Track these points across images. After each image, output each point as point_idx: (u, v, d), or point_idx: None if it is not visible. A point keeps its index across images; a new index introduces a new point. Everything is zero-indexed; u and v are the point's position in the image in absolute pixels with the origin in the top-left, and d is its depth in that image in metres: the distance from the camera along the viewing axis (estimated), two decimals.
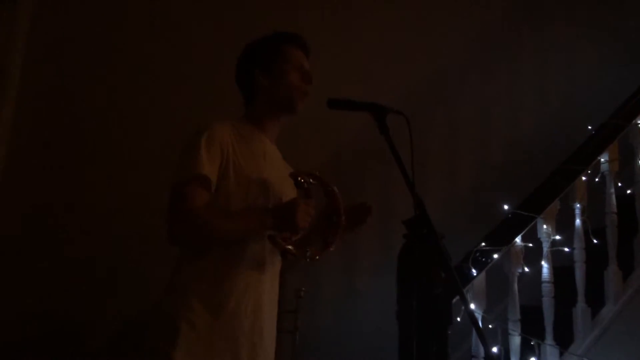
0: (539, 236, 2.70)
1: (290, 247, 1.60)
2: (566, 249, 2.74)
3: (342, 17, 3.39)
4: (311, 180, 1.64)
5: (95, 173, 2.71)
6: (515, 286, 2.58)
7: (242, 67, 1.79)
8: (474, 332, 2.33)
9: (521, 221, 2.64)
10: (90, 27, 2.81)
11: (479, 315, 2.42)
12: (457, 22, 3.71)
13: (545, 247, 2.67)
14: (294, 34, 1.80)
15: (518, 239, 2.62)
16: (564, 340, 2.59)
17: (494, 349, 2.44)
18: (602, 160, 2.94)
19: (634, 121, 2.99)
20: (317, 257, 1.65)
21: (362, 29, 3.43)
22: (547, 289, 2.65)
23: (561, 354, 2.56)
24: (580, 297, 2.68)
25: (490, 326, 2.46)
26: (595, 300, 2.70)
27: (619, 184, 3.00)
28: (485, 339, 1.42)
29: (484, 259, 2.51)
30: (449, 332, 2.22)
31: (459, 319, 2.28)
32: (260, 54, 1.77)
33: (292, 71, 1.74)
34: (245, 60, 1.79)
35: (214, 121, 1.67)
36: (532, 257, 2.68)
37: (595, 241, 2.85)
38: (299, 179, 1.62)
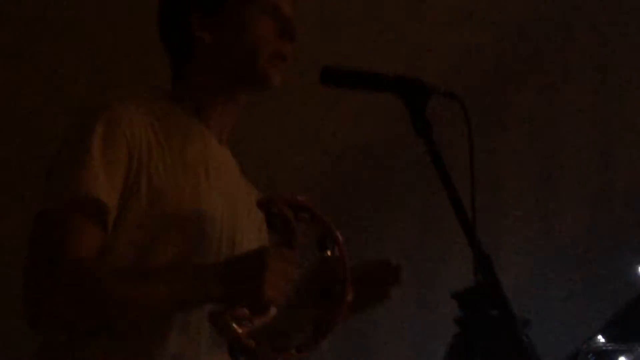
0: None
1: (246, 336, 1.57)
2: None
3: None
4: (297, 216, 1.63)
5: None
6: None
7: (168, 9, 1.82)
8: None
9: None
10: None
11: None
12: None
13: None
14: None
15: None
16: None
17: None
18: None
19: None
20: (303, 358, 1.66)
21: None
22: None
23: None
24: None
25: None
26: None
27: None
28: None
29: None
30: None
31: None
32: None
33: (260, 18, 1.77)
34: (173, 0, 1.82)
35: (114, 99, 1.69)
36: None
37: None
38: (274, 210, 1.61)
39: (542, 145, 3.72)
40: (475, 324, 2.11)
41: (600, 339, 2.60)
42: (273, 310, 1.65)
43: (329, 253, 1.69)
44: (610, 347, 2.54)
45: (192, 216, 1.66)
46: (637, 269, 2.81)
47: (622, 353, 2.54)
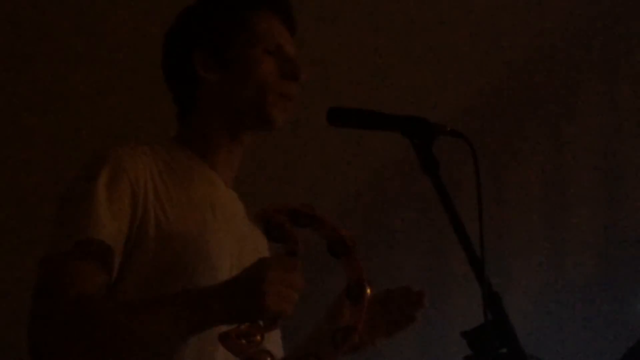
0: None
1: (258, 353, 1.54)
2: None
3: None
4: (296, 222, 1.59)
5: None
6: None
7: (173, 51, 1.83)
8: None
9: None
10: None
11: None
12: None
13: None
14: None
15: None
16: None
17: None
18: None
19: None
20: None
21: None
22: None
23: None
24: None
25: None
26: None
27: None
28: None
29: None
30: None
31: None
32: (204, 27, 1.81)
33: (264, 57, 1.78)
34: (177, 39, 1.83)
35: (118, 145, 1.69)
36: None
37: None
38: (272, 221, 1.57)
39: (551, 182, 3.72)
40: None
41: None
42: (279, 321, 1.58)
43: (338, 255, 1.64)
44: None
45: (200, 258, 1.66)
46: None
47: None
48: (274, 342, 1.71)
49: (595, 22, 3.87)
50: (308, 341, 1.78)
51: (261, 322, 1.52)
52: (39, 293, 1.56)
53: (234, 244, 1.73)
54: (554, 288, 3.55)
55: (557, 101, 3.81)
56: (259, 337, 1.53)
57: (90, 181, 1.61)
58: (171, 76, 1.84)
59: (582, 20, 3.84)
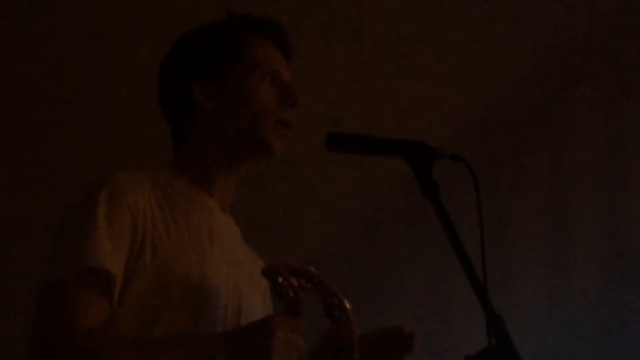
0: None
1: None
2: None
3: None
4: (303, 284, 1.63)
5: None
6: None
7: (169, 78, 1.84)
8: None
9: None
10: None
11: None
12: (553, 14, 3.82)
13: None
14: (264, 19, 1.84)
15: None
16: None
17: None
18: None
19: None
20: None
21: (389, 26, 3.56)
22: None
23: None
24: None
25: None
26: None
27: None
28: None
29: None
30: None
31: None
32: (201, 54, 1.81)
33: (261, 84, 1.78)
34: (174, 66, 1.84)
35: (117, 171, 1.69)
36: None
37: None
38: (280, 280, 1.59)
39: (553, 200, 3.72)
40: None
41: None
42: None
43: (335, 319, 1.67)
44: None
45: (198, 284, 1.66)
46: None
47: None
48: None
49: (591, 40, 3.90)
50: None
51: None
52: (41, 319, 1.56)
53: (230, 269, 1.73)
54: (559, 309, 3.55)
55: (557, 118, 3.82)
56: None
57: (90, 206, 1.61)
58: (167, 105, 1.84)
59: (580, 38, 3.86)
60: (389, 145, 1.64)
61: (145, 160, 1.83)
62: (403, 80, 3.51)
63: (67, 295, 1.55)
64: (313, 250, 3.03)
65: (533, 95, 3.76)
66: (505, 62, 3.70)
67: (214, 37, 1.82)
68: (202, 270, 1.67)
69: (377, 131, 1.68)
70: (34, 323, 1.56)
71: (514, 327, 1.48)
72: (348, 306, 1.67)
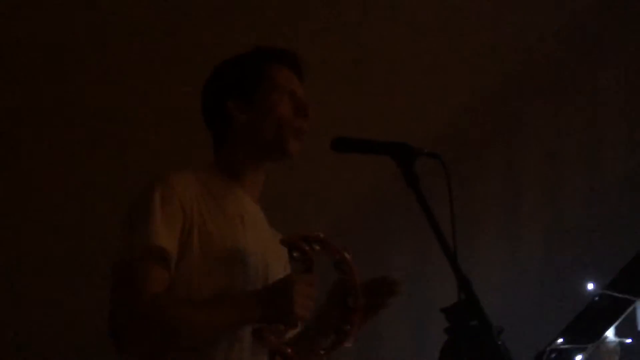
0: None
1: (282, 345, 1.59)
2: None
3: (356, 33, 3.52)
4: (314, 248, 1.64)
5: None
6: None
7: (210, 98, 1.83)
8: None
9: (613, 307, 2.62)
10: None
11: None
12: (511, 36, 3.80)
13: None
14: (282, 50, 1.84)
15: (610, 333, 2.59)
16: None
17: None
18: None
19: None
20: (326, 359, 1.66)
21: (384, 50, 3.54)
22: None
23: None
24: None
25: None
26: None
27: None
28: None
29: None
30: None
31: None
32: (234, 78, 1.81)
33: (281, 100, 1.78)
34: (213, 88, 1.83)
35: (169, 171, 1.70)
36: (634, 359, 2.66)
37: None
38: (296, 246, 1.62)
39: (506, 192, 3.72)
40: (460, 333, 2.11)
41: (560, 341, 2.58)
42: (300, 323, 1.65)
43: (342, 271, 1.70)
44: (567, 347, 2.53)
45: (233, 255, 1.66)
46: (586, 285, 2.80)
47: (577, 351, 2.52)
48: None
49: (536, 59, 3.89)
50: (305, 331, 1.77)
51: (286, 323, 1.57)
52: (118, 293, 1.57)
53: (258, 244, 1.72)
54: (514, 273, 3.55)
55: (508, 123, 3.83)
56: (284, 334, 1.59)
57: (149, 200, 1.62)
58: (209, 118, 1.84)
59: (525, 61, 3.86)
60: (380, 146, 1.64)
61: (192, 161, 1.83)
62: (391, 92, 3.51)
63: (137, 269, 1.56)
64: (322, 226, 3.06)
65: (490, 106, 3.77)
66: (468, 81, 3.70)
67: (244, 65, 1.82)
68: (235, 245, 1.67)
69: (370, 133, 1.70)
70: (112, 293, 1.57)
71: (477, 287, 1.49)
72: (349, 258, 1.69)
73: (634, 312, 2.71)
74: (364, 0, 3.52)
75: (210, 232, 1.66)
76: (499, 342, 1.78)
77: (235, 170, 1.79)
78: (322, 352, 1.69)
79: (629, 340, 2.64)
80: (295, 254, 1.63)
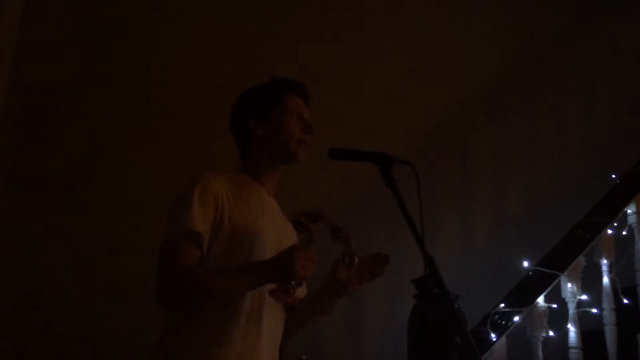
0: (563, 296, 2.67)
1: (292, 300, 1.60)
2: (594, 310, 2.71)
3: (346, 59, 3.48)
4: (316, 221, 1.66)
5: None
6: (540, 352, 2.53)
7: (237, 117, 1.83)
8: None
9: (543, 279, 2.62)
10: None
11: None
12: (468, 64, 3.79)
13: (571, 309, 2.64)
14: (291, 81, 1.84)
15: (540, 300, 2.59)
16: None
17: None
18: (629, 212, 2.93)
19: None
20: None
21: (367, 73, 3.53)
22: (574, 355, 2.60)
23: None
24: None
25: None
26: None
27: None
28: None
29: (504, 322, 2.48)
30: None
31: None
32: (255, 103, 1.81)
33: (291, 120, 1.78)
34: (239, 110, 1.83)
35: (206, 171, 1.69)
36: (558, 319, 2.65)
37: (626, 301, 2.81)
38: (298, 220, 1.64)
39: (463, 189, 3.72)
40: (426, 299, 2.12)
41: (502, 305, 2.58)
42: (304, 281, 1.61)
43: (338, 238, 1.71)
44: (508, 310, 2.53)
45: (254, 239, 1.66)
46: (523, 262, 2.80)
47: (515, 314, 2.53)
48: (302, 290, 1.76)
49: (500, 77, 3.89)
50: (316, 291, 1.78)
51: (293, 283, 1.55)
52: (162, 265, 1.57)
53: (273, 229, 1.72)
54: (467, 252, 3.55)
55: (462, 138, 3.83)
56: (292, 291, 1.58)
57: (190, 193, 1.62)
58: (236, 132, 1.84)
59: (492, 76, 3.85)
60: (366, 155, 1.64)
61: (223, 165, 1.83)
62: (376, 109, 3.49)
63: (176, 248, 1.57)
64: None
65: (447, 124, 3.76)
66: (437, 96, 3.68)
67: (263, 92, 1.82)
68: (256, 229, 1.67)
69: (357, 144, 1.71)
70: (158, 265, 1.58)
71: (439, 263, 1.50)
72: (342, 227, 1.71)
73: (559, 284, 2.71)
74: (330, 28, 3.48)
75: (237, 220, 1.65)
76: (456, 306, 1.79)
77: (256, 172, 1.79)
78: (327, 307, 1.72)
79: (554, 306, 2.64)
80: (298, 227, 1.65)
